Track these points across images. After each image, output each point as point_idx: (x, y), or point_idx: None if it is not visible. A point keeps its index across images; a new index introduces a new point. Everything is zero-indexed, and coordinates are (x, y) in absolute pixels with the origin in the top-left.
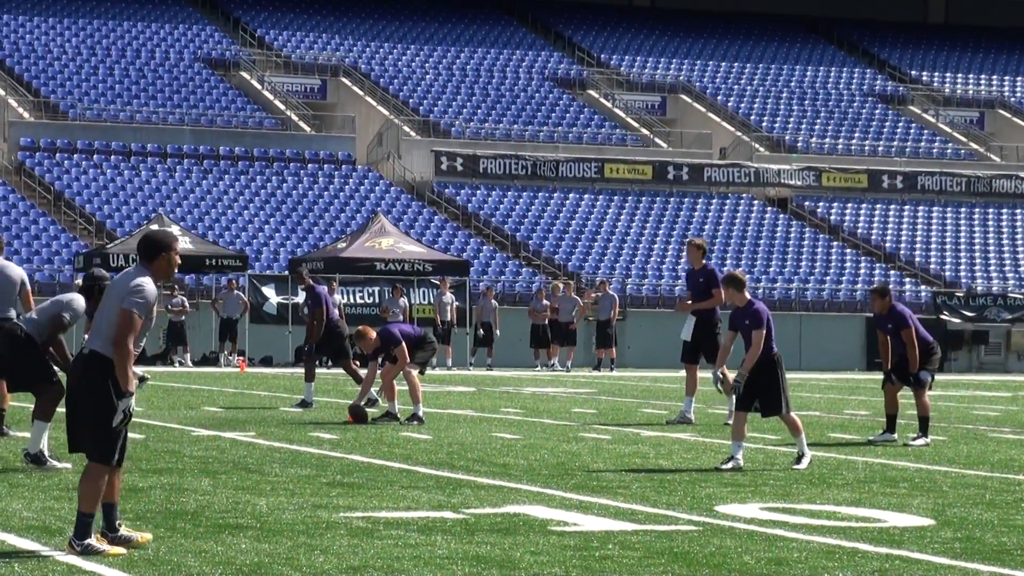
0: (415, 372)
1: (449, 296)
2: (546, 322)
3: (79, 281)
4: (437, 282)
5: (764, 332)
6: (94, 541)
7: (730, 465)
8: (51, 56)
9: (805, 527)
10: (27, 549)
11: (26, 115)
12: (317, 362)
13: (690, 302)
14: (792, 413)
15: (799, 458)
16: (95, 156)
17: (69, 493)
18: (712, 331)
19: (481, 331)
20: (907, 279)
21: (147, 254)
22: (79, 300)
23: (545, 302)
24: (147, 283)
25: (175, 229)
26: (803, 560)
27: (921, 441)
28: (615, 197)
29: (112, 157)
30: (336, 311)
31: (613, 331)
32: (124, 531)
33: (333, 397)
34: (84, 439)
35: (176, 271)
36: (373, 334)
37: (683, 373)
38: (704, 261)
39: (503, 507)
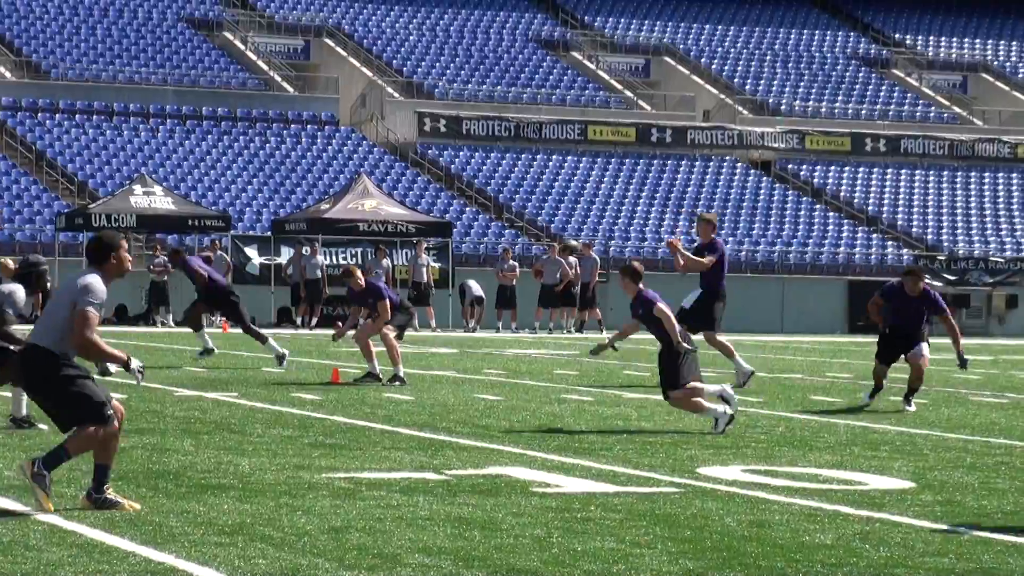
0: (392, 335)
1: (425, 258)
2: (514, 283)
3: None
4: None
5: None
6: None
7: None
8: (33, 16)
9: (787, 489)
10: (7, 508)
11: (8, 75)
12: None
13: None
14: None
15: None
16: (77, 116)
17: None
18: (712, 303)
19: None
20: (889, 242)
21: (96, 257)
22: (19, 292)
23: (512, 262)
24: (96, 280)
25: (158, 190)
26: (784, 522)
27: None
28: (598, 159)
29: (94, 117)
30: (220, 275)
31: (592, 293)
32: (111, 495)
33: (315, 358)
34: (64, 419)
35: (129, 268)
36: (360, 274)
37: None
38: (713, 236)
39: (485, 468)
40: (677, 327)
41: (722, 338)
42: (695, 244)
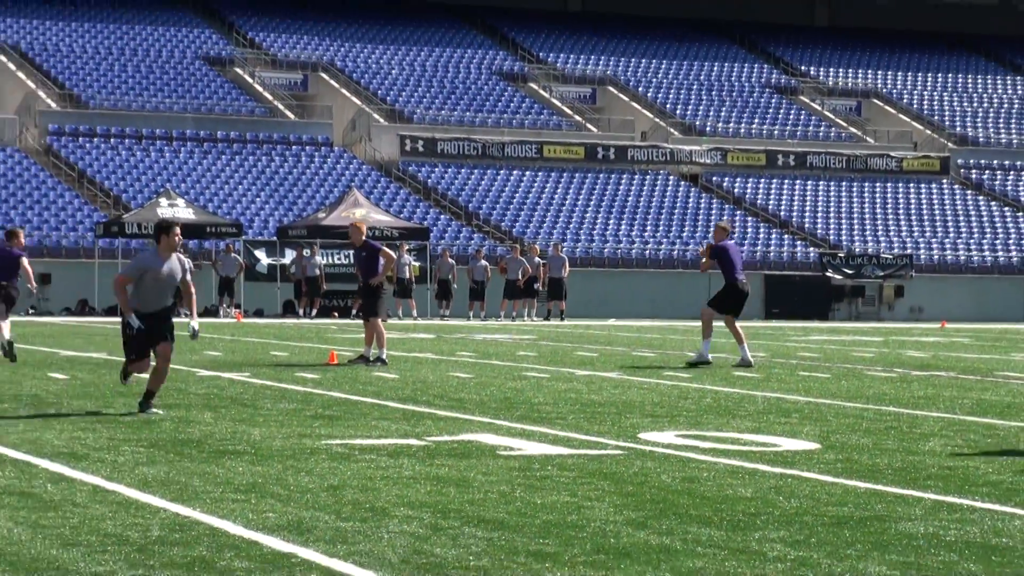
0: (380, 321)
1: (407, 257)
2: (486, 279)
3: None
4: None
5: None
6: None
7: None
8: (74, 54)
9: (713, 451)
10: (58, 472)
11: (53, 105)
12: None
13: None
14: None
15: None
16: (112, 139)
17: (93, 424)
18: (721, 291)
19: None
20: (798, 242)
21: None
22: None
23: (483, 262)
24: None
25: (180, 202)
26: (712, 479)
27: None
28: (552, 174)
29: (126, 140)
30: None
31: (562, 286)
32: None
33: (315, 343)
34: None
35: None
36: (365, 229)
37: (611, 321)
38: (721, 241)
39: (459, 435)
40: None
41: (715, 321)
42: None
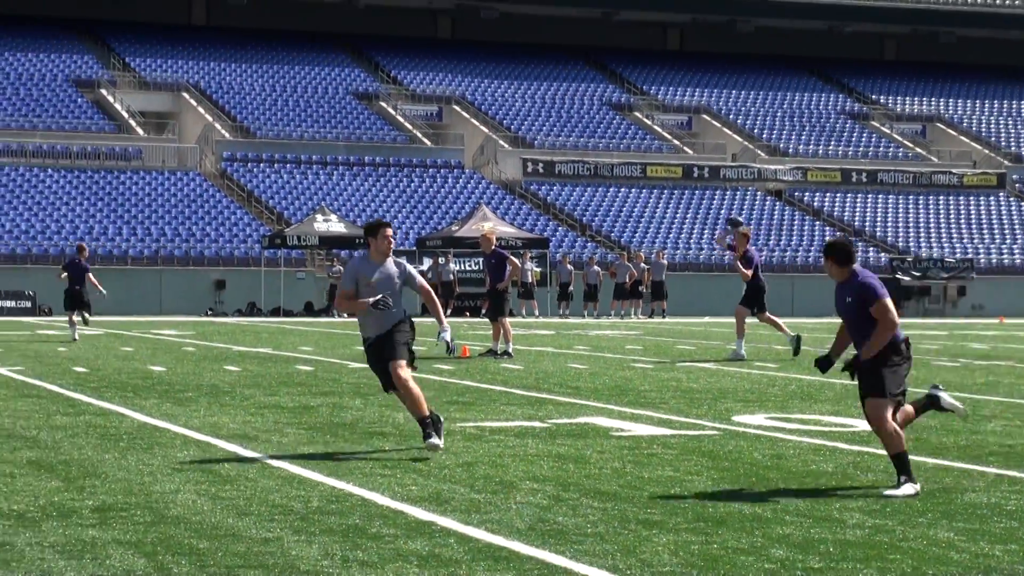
0: (507, 319)
1: (529, 264)
2: (598, 282)
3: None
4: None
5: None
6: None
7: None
8: (244, 92)
9: (798, 431)
10: (232, 451)
11: (227, 135)
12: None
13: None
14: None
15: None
16: (276, 164)
17: (261, 410)
18: (759, 293)
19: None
20: (871, 249)
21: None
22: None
23: (595, 268)
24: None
25: (333, 217)
26: (797, 456)
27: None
28: (654, 191)
29: (288, 165)
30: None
31: (663, 288)
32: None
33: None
34: None
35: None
36: (494, 239)
37: (706, 319)
38: (746, 248)
39: (576, 418)
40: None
41: (748, 319)
42: (732, 249)
